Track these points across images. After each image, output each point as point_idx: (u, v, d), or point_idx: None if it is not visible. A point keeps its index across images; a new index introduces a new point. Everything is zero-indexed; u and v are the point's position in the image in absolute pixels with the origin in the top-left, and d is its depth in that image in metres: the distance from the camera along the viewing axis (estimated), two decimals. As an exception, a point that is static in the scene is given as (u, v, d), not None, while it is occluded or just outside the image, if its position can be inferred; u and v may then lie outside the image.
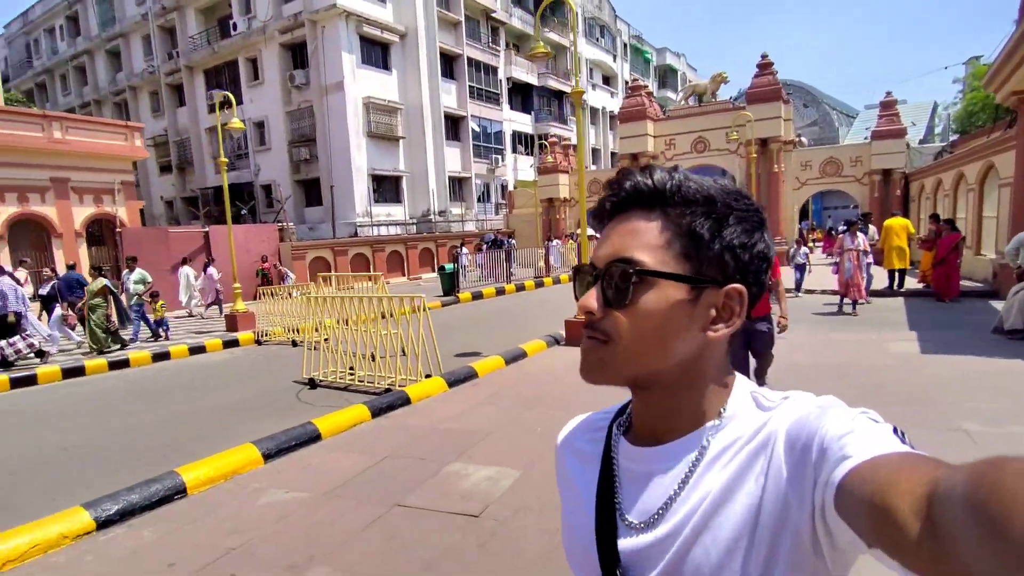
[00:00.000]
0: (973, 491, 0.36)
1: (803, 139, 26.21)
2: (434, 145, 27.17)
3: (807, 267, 13.40)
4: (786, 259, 14.58)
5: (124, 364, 9.68)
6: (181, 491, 4.15)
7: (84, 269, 14.46)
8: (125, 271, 12.35)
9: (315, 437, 5.20)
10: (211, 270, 15.02)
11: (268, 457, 4.76)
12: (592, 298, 0.67)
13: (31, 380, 8.68)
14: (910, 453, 0.50)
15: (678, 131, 23.08)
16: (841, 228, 12.81)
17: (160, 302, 11.79)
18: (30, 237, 15.54)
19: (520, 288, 18.02)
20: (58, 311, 10.74)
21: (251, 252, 18.27)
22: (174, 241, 17.54)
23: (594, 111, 40.94)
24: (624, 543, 0.69)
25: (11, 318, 9.26)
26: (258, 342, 11.33)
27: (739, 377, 0.72)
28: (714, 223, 0.66)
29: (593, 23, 39.98)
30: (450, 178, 28.34)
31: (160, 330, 11.68)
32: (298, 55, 26.04)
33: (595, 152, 41.24)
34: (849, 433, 0.54)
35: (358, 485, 4.21)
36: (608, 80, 42.63)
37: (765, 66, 21.19)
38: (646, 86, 24.34)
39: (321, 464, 4.71)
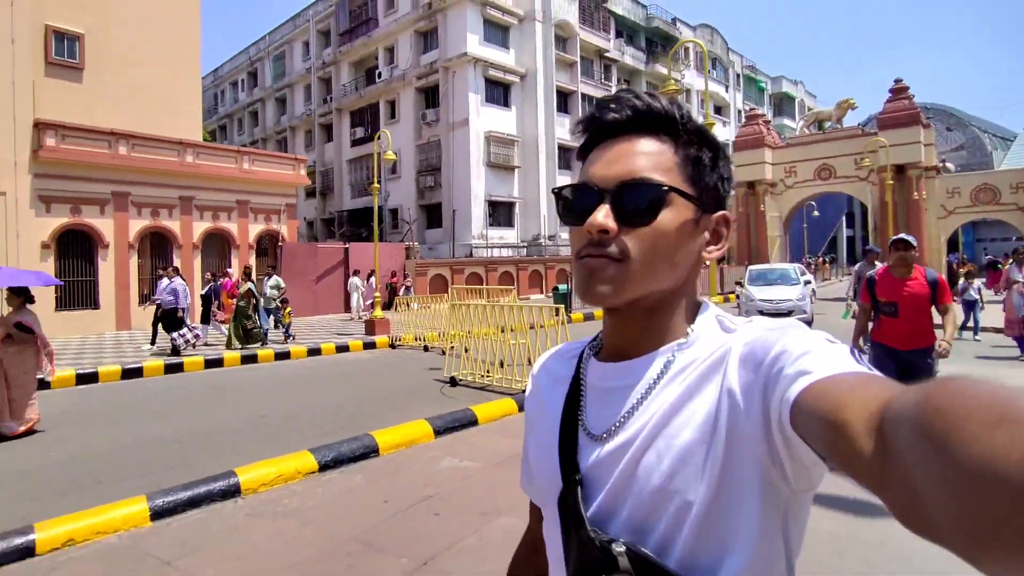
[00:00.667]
0: (920, 410, 0.37)
1: (948, 165, 23.90)
2: (547, 174, 28.05)
3: (979, 304, 11.49)
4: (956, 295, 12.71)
5: (286, 356, 10.93)
6: (375, 450, 4.82)
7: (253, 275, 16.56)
8: (264, 277, 13.45)
9: (473, 421, 5.76)
10: (372, 280, 16.59)
11: (438, 433, 5.36)
12: (605, 216, 0.65)
13: (219, 363, 10.11)
14: (866, 373, 0.50)
15: (799, 158, 22.10)
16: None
17: (287, 308, 12.63)
18: (216, 248, 17.92)
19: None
20: (213, 309, 12.15)
21: (382, 267, 19.75)
22: (321, 255, 19.44)
23: (704, 142, 40.39)
24: (584, 453, 0.69)
25: (180, 313, 10.69)
26: (392, 346, 12.27)
27: (707, 301, 0.73)
28: (713, 154, 0.70)
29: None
30: (561, 206, 29.06)
31: (286, 333, 12.48)
32: (430, 96, 28.08)
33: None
34: (807, 353, 0.54)
35: (521, 460, 4.65)
36: (720, 110, 41.94)
37: (899, 91, 19.81)
38: (764, 115, 23.76)
39: (482, 442, 5.23)
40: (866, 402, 0.45)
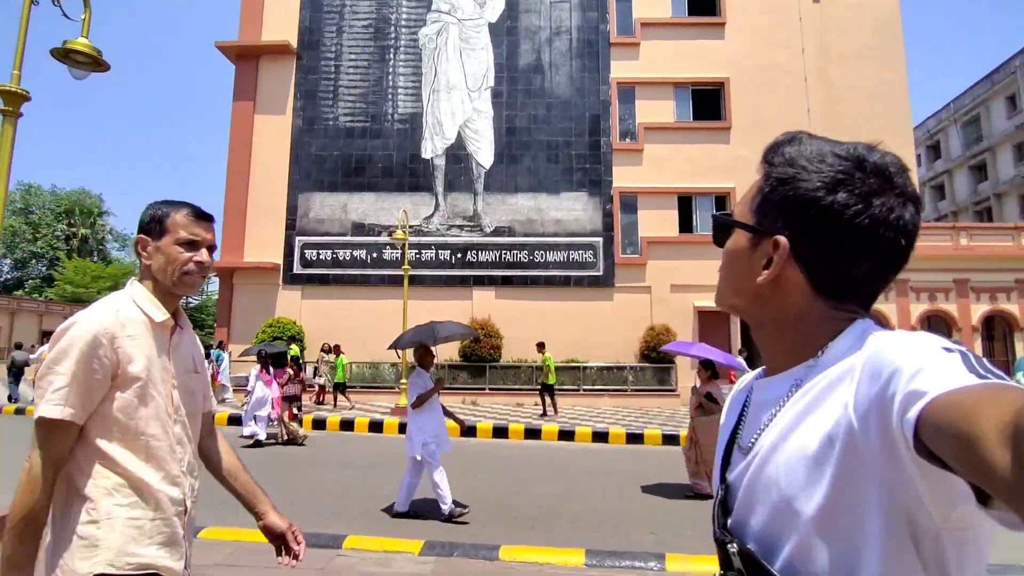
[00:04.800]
0: None
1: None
2: None
3: None
4: None
5: None
6: None
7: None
8: (1021, 358, 13.03)
9: None
10: None
11: None
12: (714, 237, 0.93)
13: None
14: (991, 382, 0.53)
15: None
16: None
17: None
18: (997, 331, 19.09)
19: None
20: None
21: None
22: None
23: None
24: (733, 464, 0.85)
25: None
26: None
27: (861, 321, 0.78)
28: (776, 180, 0.81)
29: None
30: None
31: None
32: None
33: None
34: (921, 370, 0.58)
35: None
36: None
37: None
38: None
39: None
40: (998, 412, 0.47)
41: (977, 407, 0.50)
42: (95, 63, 6.21)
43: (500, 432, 12.43)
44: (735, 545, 0.77)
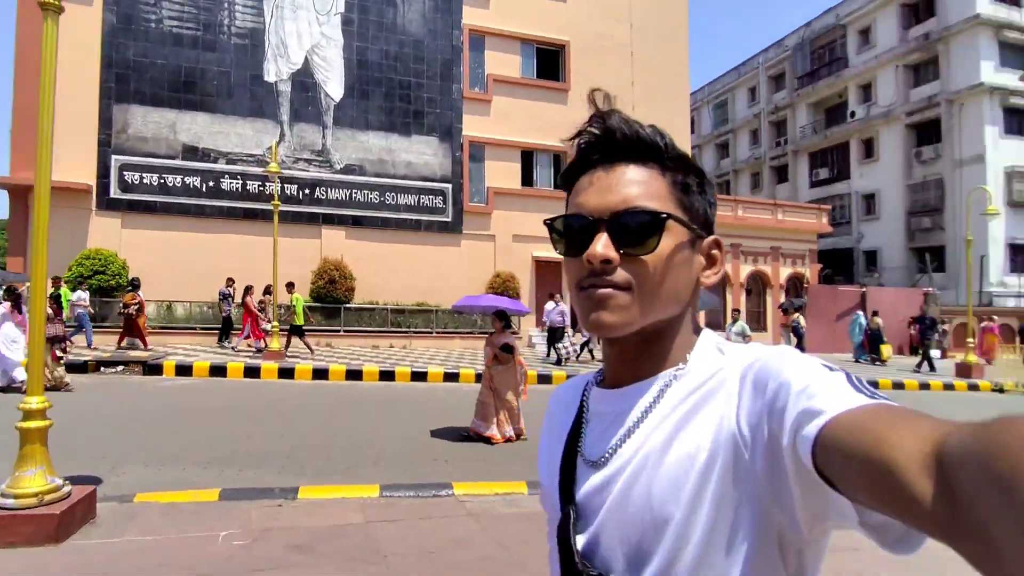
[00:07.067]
0: (984, 452, 0.41)
1: None
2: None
3: None
4: None
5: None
6: None
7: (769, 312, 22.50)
8: (729, 322, 16.79)
9: None
10: (878, 319, 20.56)
11: None
12: (605, 246, 0.77)
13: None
14: (895, 407, 0.55)
15: None
16: None
17: None
18: (756, 287, 24.87)
19: None
20: None
21: (898, 313, 23.54)
22: (840, 297, 24.49)
23: None
24: (580, 480, 0.83)
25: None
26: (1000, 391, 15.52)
27: (707, 331, 0.86)
28: (700, 180, 0.84)
29: None
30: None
31: None
32: (924, 132, 31.00)
33: None
34: (810, 385, 0.61)
35: None
36: None
37: None
38: None
39: None
40: (916, 441, 0.49)
41: (889, 434, 0.51)
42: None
43: (353, 375, 13.25)
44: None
